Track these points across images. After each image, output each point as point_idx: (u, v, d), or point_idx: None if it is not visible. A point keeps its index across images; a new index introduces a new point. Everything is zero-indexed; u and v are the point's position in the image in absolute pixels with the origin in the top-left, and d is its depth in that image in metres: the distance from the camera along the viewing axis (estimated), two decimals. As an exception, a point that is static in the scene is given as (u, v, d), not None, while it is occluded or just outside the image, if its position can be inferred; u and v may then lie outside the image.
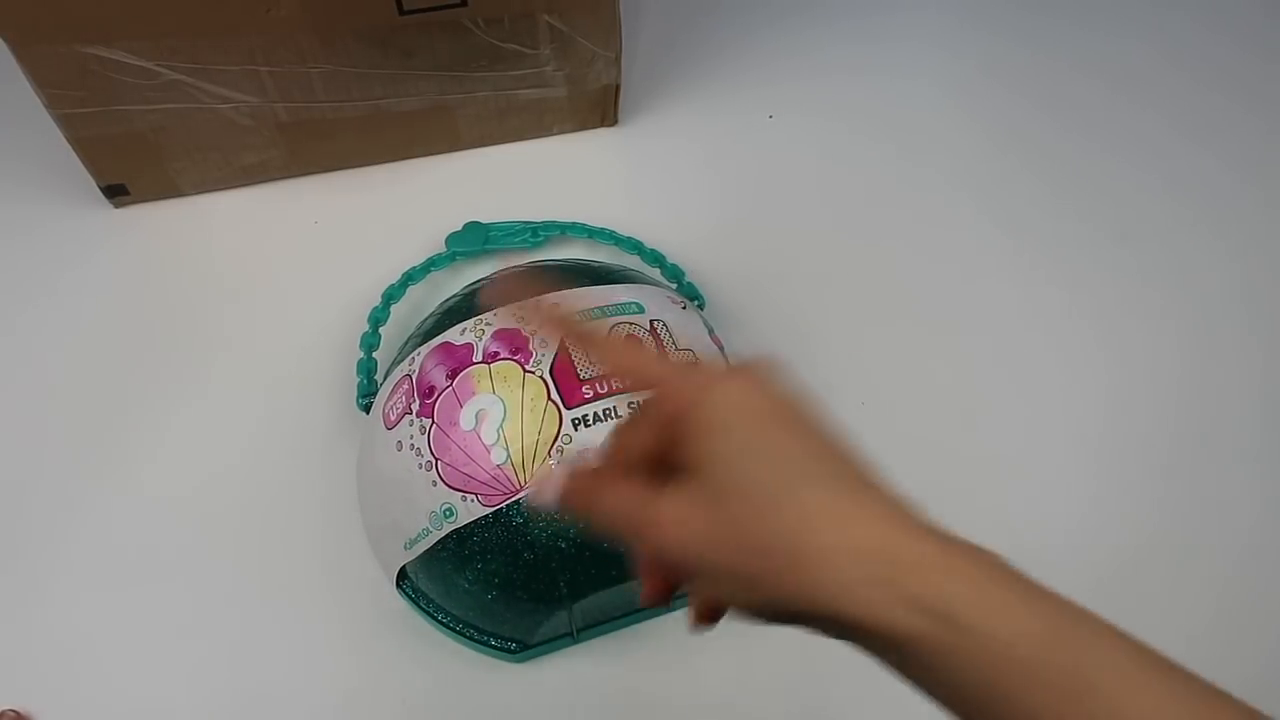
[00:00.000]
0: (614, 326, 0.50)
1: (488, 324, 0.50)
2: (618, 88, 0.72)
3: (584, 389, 0.47)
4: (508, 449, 0.46)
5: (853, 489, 0.27)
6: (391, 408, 0.50)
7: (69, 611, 0.54)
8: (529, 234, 0.67)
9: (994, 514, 0.59)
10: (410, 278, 0.63)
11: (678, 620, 0.54)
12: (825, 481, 0.27)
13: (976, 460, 0.61)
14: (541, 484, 0.33)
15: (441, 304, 0.56)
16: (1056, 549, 0.58)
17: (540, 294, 0.40)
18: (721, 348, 0.54)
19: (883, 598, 0.25)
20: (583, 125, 0.75)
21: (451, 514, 0.46)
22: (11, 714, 0.51)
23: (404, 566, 0.50)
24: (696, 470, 0.28)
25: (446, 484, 0.46)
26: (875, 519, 0.26)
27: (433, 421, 0.48)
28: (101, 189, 0.67)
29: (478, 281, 0.56)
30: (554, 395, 0.47)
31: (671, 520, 0.28)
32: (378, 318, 0.61)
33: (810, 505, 0.26)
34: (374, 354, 0.59)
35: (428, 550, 0.48)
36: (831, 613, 0.25)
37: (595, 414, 0.47)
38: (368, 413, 0.55)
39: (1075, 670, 0.24)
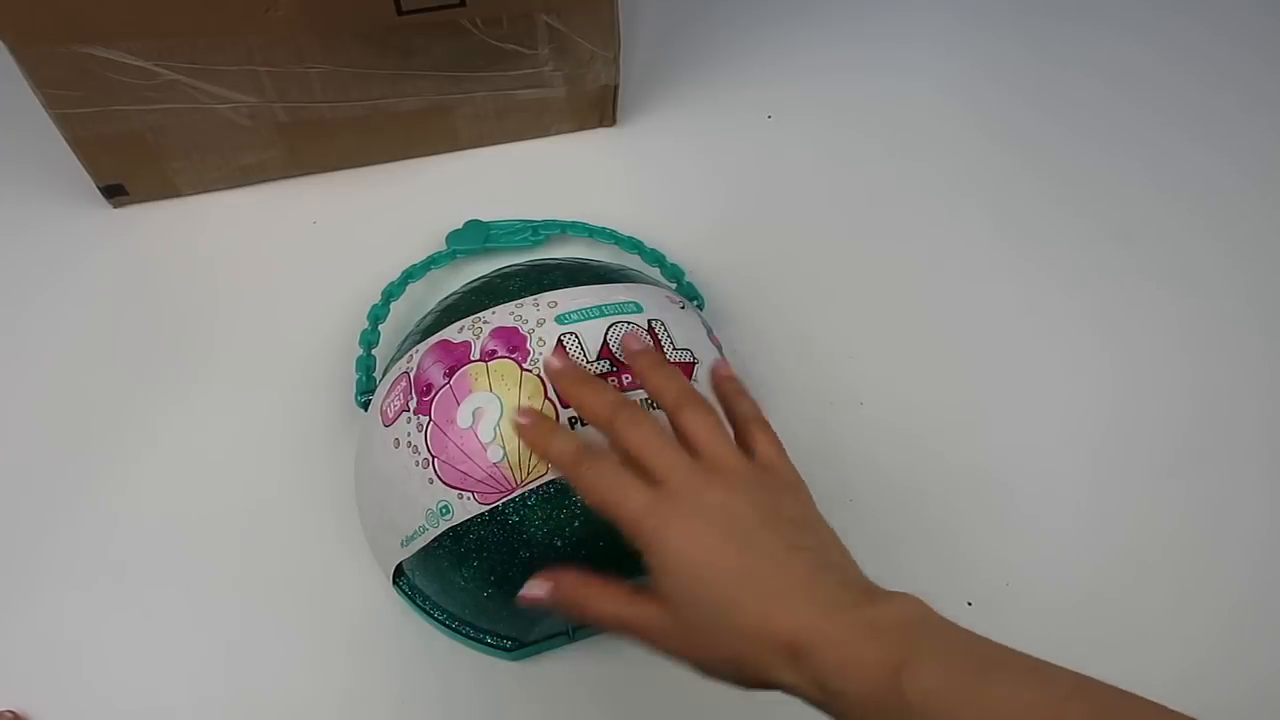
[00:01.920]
0: (612, 325, 0.50)
1: (485, 322, 0.50)
2: (616, 88, 0.72)
3: (581, 387, 0.47)
4: (504, 447, 0.46)
5: (772, 596, 0.36)
6: (389, 405, 0.51)
7: (66, 611, 0.55)
8: (529, 232, 0.68)
9: (993, 515, 0.59)
10: (410, 275, 0.64)
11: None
12: (748, 602, 0.36)
13: (976, 460, 0.61)
14: (531, 590, 0.41)
15: (440, 301, 0.56)
16: (1057, 550, 0.58)
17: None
18: (720, 347, 0.55)
19: (792, 677, 0.35)
20: (581, 125, 0.75)
21: (448, 511, 0.47)
22: (10, 714, 0.51)
23: (400, 564, 0.51)
24: (660, 588, 0.38)
25: (443, 481, 0.47)
26: (788, 619, 0.35)
27: (430, 419, 0.48)
28: (100, 189, 0.68)
29: (477, 279, 0.56)
30: (551, 394, 0.47)
31: (648, 626, 0.38)
32: (377, 315, 0.61)
33: (737, 624, 0.36)
34: (373, 351, 0.59)
35: (424, 548, 0.48)
36: (768, 685, 0.36)
37: (592, 412, 0.47)
38: (366, 410, 0.55)
39: (902, 701, 0.32)
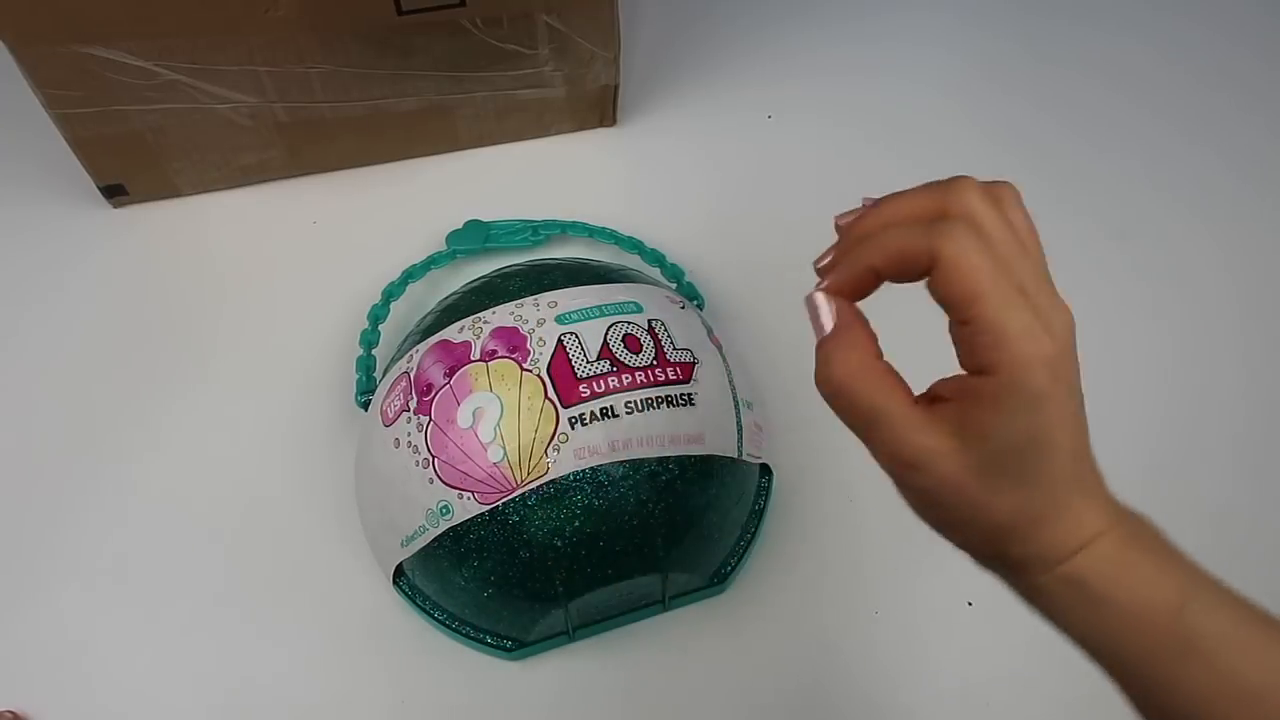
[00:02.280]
0: (612, 325, 0.50)
1: (485, 322, 0.50)
2: (616, 88, 0.72)
3: (581, 388, 0.47)
4: (504, 447, 0.46)
5: (1089, 494, 0.32)
6: (389, 405, 0.51)
7: (67, 611, 0.55)
8: (530, 232, 0.68)
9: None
10: (410, 275, 0.64)
11: (674, 620, 0.54)
12: (1076, 493, 0.31)
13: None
14: (820, 306, 0.34)
15: (441, 301, 0.56)
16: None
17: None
18: (720, 348, 0.55)
19: (1042, 568, 0.31)
20: (582, 125, 0.75)
21: (448, 511, 0.47)
22: (9, 715, 0.51)
23: (401, 564, 0.51)
24: (976, 431, 0.30)
25: (443, 481, 0.47)
26: (1090, 525, 0.31)
27: (430, 419, 0.48)
28: (100, 189, 0.68)
29: (477, 279, 0.56)
30: (551, 394, 0.47)
31: (934, 472, 0.30)
32: (377, 315, 0.61)
33: (1057, 515, 0.31)
34: (373, 351, 0.59)
35: (424, 548, 0.48)
36: (1012, 565, 0.32)
37: (592, 413, 0.47)
38: (366, 410, 0.55)
39: (1185, 636, 0.30)
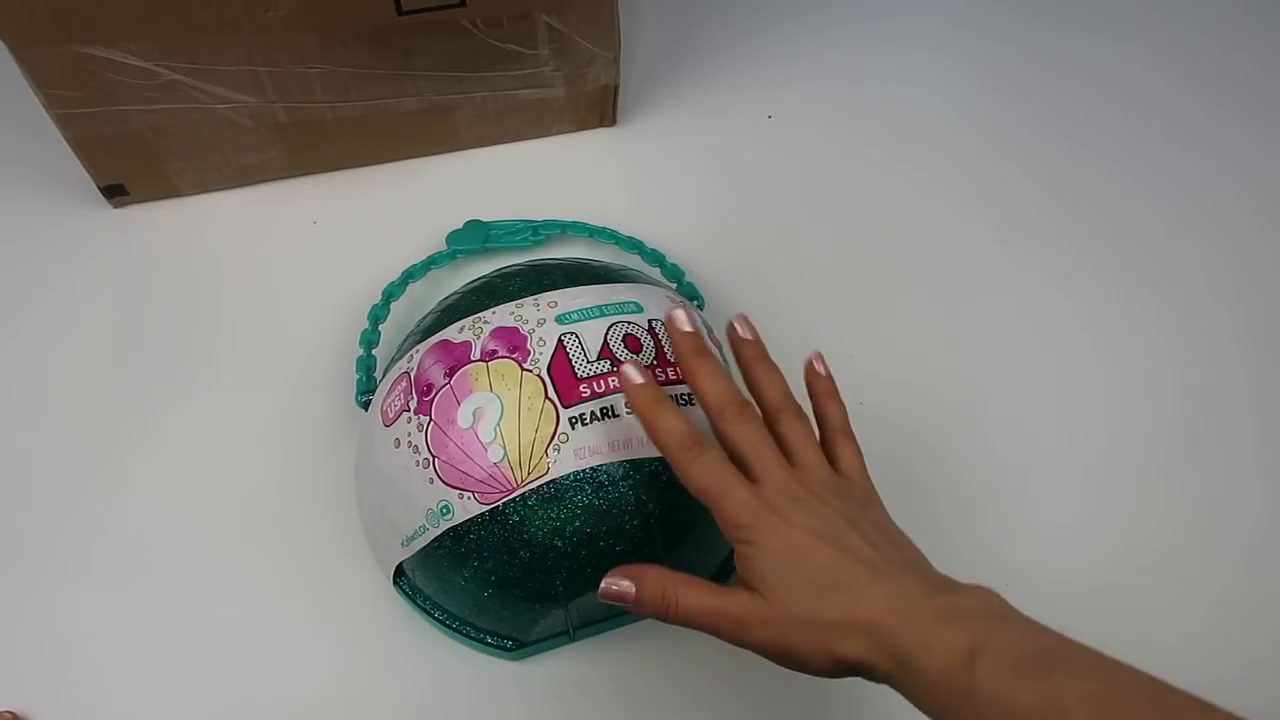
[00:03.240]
0: (612, 325, 0.50)
1: (485, 322, 0.50)
2: (616, 88, 0.72)
3: (581, 388, 0.47)
4: (504, 447, 0.46)
5: (866, 583, 0.39)
6: (390, 405, 0.51)
7: (67, 611, 0.55)
8: (530, 232, 0.68)
9: (994, 514, 0.59)
10: (411, 275, 0.64)
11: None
12: (845, 585, 0.39)
13: (976, 460, 0.61)
14: (613, 585, 0.42)
15: (441, 301, 0.56)
16: (1057, 548, 0.58)
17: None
18: (720, 348, 0.55)
19: (873, 654, 0.38)
20: (582, 125, 0.75)
21: (448, 511, 0.47)
22: (9, 715, 0.51)
23: (401, 564, 0.51)
24: (753, 579, 0.40)
25: (443, 481, 0.47)
26: (877, 601, 0.38)
27: (430, 419, 0.48)
28: (100, 189, 0.68)
29: (477, 279, 0.56)
30: (551, 394, 0.47)
31: (740, 615, 0.40)
32: (378, 315, 0.61)
33: (833, 605, 0.39)
34: (373, 351, 0.59)
35: (424, 547, 0.48)
36: (846, 666, 0.39)
37: (592, 413, 0.47)
38: (366, 410, 0.55)
39: (1038, 702, 0.34)
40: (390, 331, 0.61)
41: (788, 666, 0.40)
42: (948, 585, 0.40)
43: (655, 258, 0.66)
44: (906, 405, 0.63)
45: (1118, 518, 0.59)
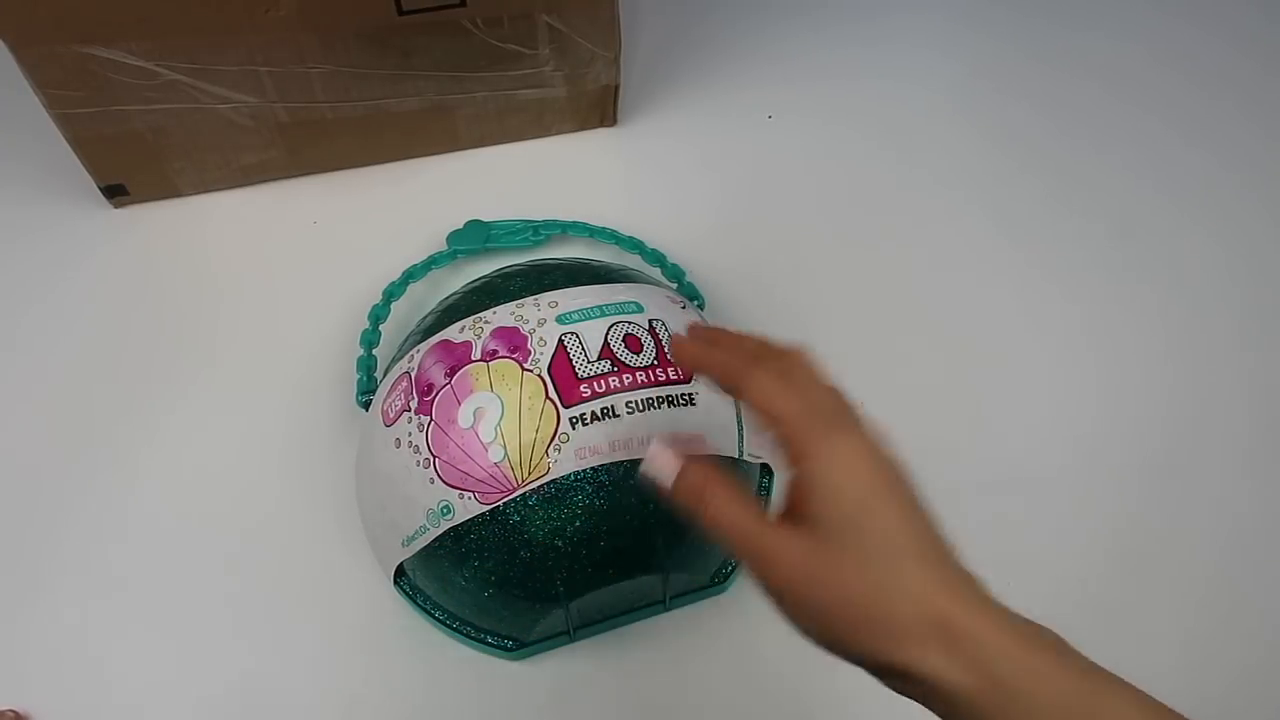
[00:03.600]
0: (613, 325, 0.50)
1: (486, 322, 0.50)
2: (617, 88, 0.72)
3: (582, 387, 0.47)
4: (505, 447, 0.46)
5: (933, 564, 0.32)
6: (390, 405, 0.51)
7: (68, 611, 0.55)
8: (530, 232, 0.68)
9: (995, 515, 0.59)
10: (411, 275, 0.64)
11: (674, 619, 0.54)
12: (912, 558, 0.32)
13: (978, 461, 0.61)
14: (658, 459, 0.36)
15: (441, 301, 0.56)
16: (1058, 549, 0.58)
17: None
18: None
19: (943, 659, 0.30)
20: (582, 125, 0.75)
21: (449, 511, 0.47)
22: (11, 714, 0.51)
23: (401, 564, 0.51)
24: (808, 518, 0.33)
25: (444, 481, 0.47)
26: (947, 595, 0.31)
27: (431, 419, 0.48)
28: (101, 189, 0.68)
29: (478, 279, 0.56)
30: (552, 393, 0.47)
31: (781, 560, 0.33)
32: (378, 315, 0.61)
33: (897, 578, 0.31)
34: (374, 351, 0.59)
35: (425, 548, 0.48)
36: (900, 665, 0.31)
37: (593, 412, 0.47)
38: (367, 410, 0.55)
39: None
40: (391, 331, 0.61)
41: (825, 646, 0.33)
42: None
43: (655, 258, 0.66)
44: (909, 406, 0.63)
45: (1121, 518, 0.59)
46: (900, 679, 0.32)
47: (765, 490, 0.56)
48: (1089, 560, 0.58)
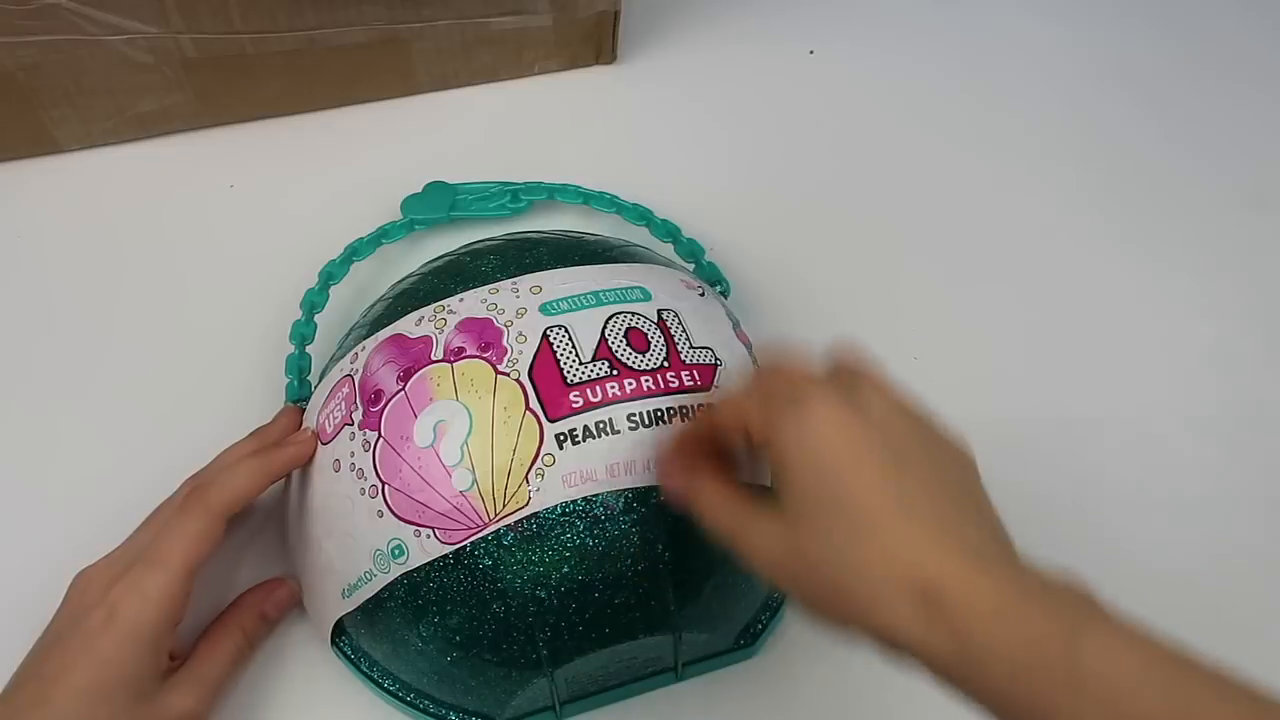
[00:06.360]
0: (612, 317, 0.50)
1: (451, 312, 0.50)
2: (616, 15, 0.73)
3: (572, 396, 0.48)
4: (474, 471, 0.46)
5: (919, 524, 0.37)
6: (328, 417, 0.51)
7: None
8: (508, 198, 0.68)
9: (1092, 548, 0.59)
10: (356, 252, 0.64)
11: (689, 691, 0.54)
12: (888, 521, 0.37)
13: (1072, 485, 0.61)
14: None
15: (394, 286, 0.56)
16: (1162, 590, 0.58)
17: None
18: (749, 345, 0.55)
19: (920, 627, 0.35)
20: (572, 62, 0.75)
21: (401, 553, 0.47)
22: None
23: (341, 619, 0.51)
24: (782, 495, 0.39)
25: (396, 515, 0.47)
26: (934, 555, 0.36)
27: (379, 435, 0.48)
28: (-41, 143, 0.68)
29: (440, 258, 0.56)
30: (533, 403, 0.47)
31: (761, 544, 0.40)
32: (313, 302, 0.61)
33: (863, 547, 0.37)
34: (308, 348, 0.60)
35: (371, 599, 0.48)
36: (878, 629, 0.37)
37: (586, 427, 0.47)
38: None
39: (1078, 679, 0.33)
40: (330, 323, 0.61)
41: (819, 619, 0.39)
42: (1021, 555, 0.38)
43: (667, 231, 0.66)
44: (985, 418, 0.63)
45: (1247, 555, 0.60)
46: (889, 648, 0.37)
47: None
48: (1204, 604, 0.58)
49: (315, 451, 0.52)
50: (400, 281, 0.56)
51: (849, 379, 0.41)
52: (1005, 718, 0.35)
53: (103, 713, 0.45)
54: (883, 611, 0.36)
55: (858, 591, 0.37)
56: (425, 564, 0.47)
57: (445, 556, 0.46)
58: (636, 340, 0.50)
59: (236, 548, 0.57)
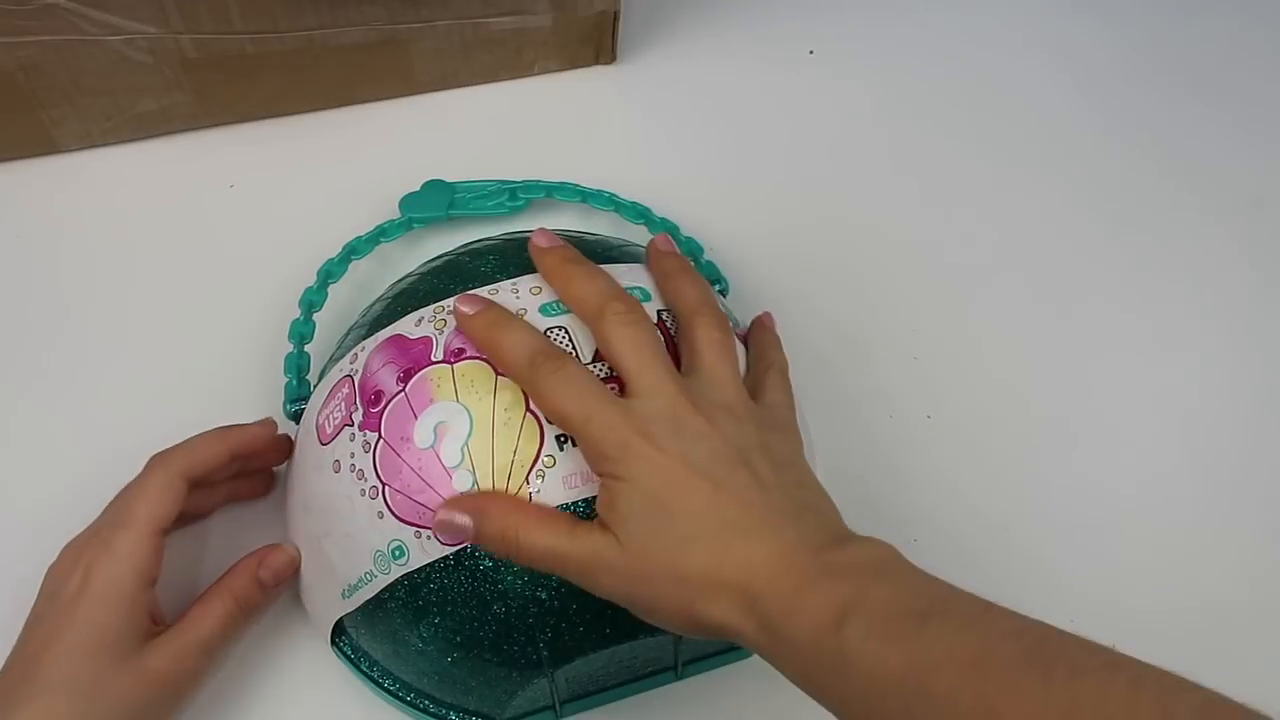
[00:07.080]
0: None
1: (451, 312, 0.50)
2: (616, 15, 0.73)
3: (572, 396, 0.48)
4: (474, 473, 0.46)
5: (740, 531, 0.41)
6: (328, 418, 0.51)
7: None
8: (506, 196, 0.68)
9: (1094, 555, 0.59)
10: (354, 251, 0.64)
11: (689, 690, 0.55)
12: (715, 531, 0.41)
13: (1073, 489, 0.61)
14: (452, 513, 0.45)
15: (393, 286, 0.56)
16: (1172, 595, 0.58)
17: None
18: (747, 344, 0.55)
19: (741, 621, 0.40)
20: (572, 62, 0.75)
21: (402, 554, 0.47)
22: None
23: (341, 620, 0.51)
24: (611, 515, 0.42)
25: (396, 516, 0.47)
26: (748, 555, 0.40)
27: (380, 436, 0.48)
28: (-43, 143, 0.68)
29: (439, 257, 0.56)
30: (534, 405, 0.47)
31: (591, 560, 0.43)
32: (312, 302, 0.61)
33: (698, 556, 0.41)
34: (306, 348, 0.60)
35: (372, 600, 0.48)
36: (715, 630, 0.41)
37: (586, 428, 0.47)
38: (298, 422, 0.55)
39: (906, 665, 0.35)
40: (328, 323, 0.61)
41: (650, 621, 0.43)
42: (838, 538, 0.42)
43: (665, 230, 0.66)
44: (986, 419, 0.63)
45: (1254, 564, 0.60)
46: (708, 630, 0.41)
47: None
48: (1214, 611, 0.58)
49: (295, 448, 0.55)
50: (399, 281, 0.56)
51: (758, 368, 0.50)
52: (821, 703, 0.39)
53: (86, 673, 0.45)
54: (706, 606, 0.40)
55: (685, 590, 0.41)
56: (426, 565, 0.47)
57: (446, 558, 0.46)
58: (637, 340, 0.50)
59: (237, 548, 0.57)
